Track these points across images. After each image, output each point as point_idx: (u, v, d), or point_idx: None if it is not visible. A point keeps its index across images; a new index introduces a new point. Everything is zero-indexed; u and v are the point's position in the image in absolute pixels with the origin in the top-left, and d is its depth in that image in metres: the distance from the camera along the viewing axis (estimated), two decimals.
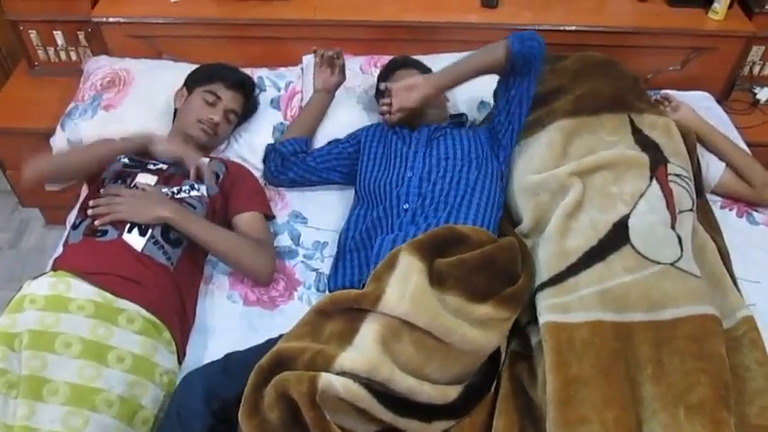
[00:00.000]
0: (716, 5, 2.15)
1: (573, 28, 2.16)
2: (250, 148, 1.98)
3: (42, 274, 1.45)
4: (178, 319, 1.49)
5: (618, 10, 2.27)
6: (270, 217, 1.78)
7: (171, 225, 1.54)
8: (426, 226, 1.55)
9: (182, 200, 1.61)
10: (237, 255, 1.60)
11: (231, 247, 1.60)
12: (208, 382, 1.32)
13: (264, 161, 1.93)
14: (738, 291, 1.58)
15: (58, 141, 1.95)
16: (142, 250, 1.49)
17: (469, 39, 2.12)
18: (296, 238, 1.79)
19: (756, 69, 2.35)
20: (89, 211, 1.53)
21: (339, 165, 1.89)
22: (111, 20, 2.11)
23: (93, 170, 1.68)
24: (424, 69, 1.92)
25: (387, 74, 1.94)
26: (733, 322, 1.50)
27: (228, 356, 1.41)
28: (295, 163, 1.87)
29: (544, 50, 1.63)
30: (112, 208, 1.52)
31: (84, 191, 1.86)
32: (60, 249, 1.64)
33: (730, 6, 2.16)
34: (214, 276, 1.69)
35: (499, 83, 1.75)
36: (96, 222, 1.51)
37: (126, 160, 1.69)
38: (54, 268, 1.47)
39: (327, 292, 1.65)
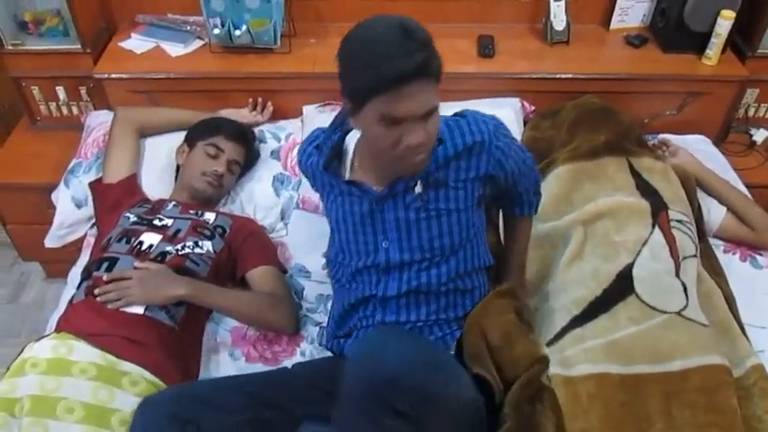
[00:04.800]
0: (709, 51, 2.18)
1: (569, 76, 2.18)
2: (250, 198, 1.98)
3: (44, 336, 1.43)
4: (181, 378, 1.47)
5: (613, 57, 2.29)
6: (283, 271, 1.77)
7: (188, 301, 1.53)
8: (416, 279, 1.41)
9: (186, 256, 1.61)
10: (259, 316, 1.60)
11: (252, 309, 1.59)
12: (178, 406, 1.30)
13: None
14: (746, 338, 1.56)
15: (62, 198, 1.95)
16: (144, 313, 1.48)
17: (468, 88, 2.15)
18: (299, 292, 1.77)
19: (751, 111, 2.38)
20: (98, 298, 1.49)
21: None
22: (113, 76, 2.13)
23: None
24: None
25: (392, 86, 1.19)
26: (743, 371, 1.48)
27: (196, 385, 1.39)
28: None
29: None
30: (123, 292, 1.48)
31: (87, 247, 1.86)
32: (63, 307, 1.61)
33: (723, 51, 2.20)
34: (216, 333, 1.67)
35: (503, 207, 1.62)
36: (109, 306, 1.48)
37: (134, 218, 1.70)
38: (57, 329, 1.46)
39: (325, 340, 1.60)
